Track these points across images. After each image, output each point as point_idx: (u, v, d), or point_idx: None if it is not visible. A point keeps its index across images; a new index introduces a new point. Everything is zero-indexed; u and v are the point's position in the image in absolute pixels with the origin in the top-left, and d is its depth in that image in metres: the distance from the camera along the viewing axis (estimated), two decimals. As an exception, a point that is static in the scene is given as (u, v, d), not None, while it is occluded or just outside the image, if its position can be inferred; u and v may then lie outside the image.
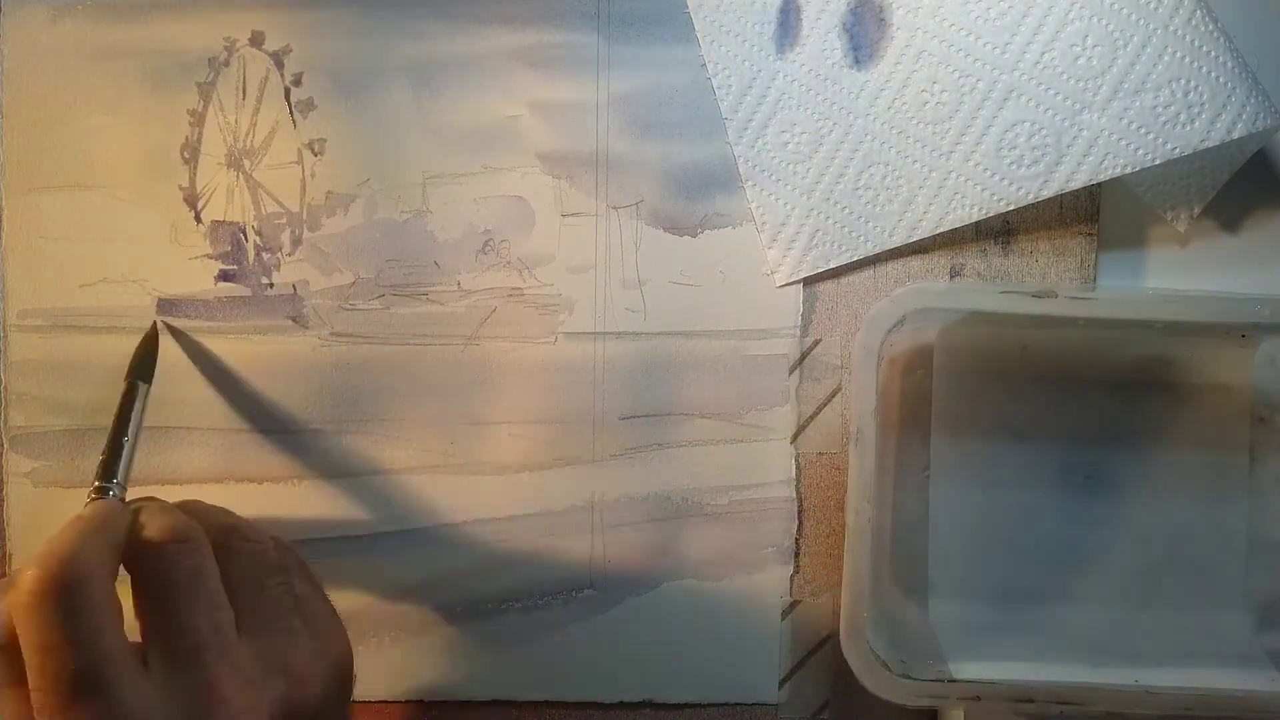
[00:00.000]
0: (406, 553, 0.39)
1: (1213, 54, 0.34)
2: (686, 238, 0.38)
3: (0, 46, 0.38)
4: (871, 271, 0.38)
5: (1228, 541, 0.38)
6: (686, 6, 0.38)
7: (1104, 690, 0.34)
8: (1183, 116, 0.34)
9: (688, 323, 0.38)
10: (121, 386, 0.35)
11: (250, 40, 0.39)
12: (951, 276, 0.38)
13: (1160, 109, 0.34)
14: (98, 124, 0.39)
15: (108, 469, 0.32)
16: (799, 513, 0.38)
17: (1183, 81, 0.34)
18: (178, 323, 0.39)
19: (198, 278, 0.39)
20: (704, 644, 0.39)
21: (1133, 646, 0.37)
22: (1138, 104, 0.34)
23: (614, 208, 0.39)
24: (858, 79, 0.37)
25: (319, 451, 0.39)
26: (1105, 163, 0.35)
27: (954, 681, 0.34)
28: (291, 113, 0.39)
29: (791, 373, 0.38)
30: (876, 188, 0.37)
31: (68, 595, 0.26)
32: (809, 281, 0.38)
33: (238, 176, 0.39)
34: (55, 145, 0.39)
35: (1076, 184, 0.35)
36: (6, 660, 0.27)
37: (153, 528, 0.29)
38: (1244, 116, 0.34)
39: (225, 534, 0.31)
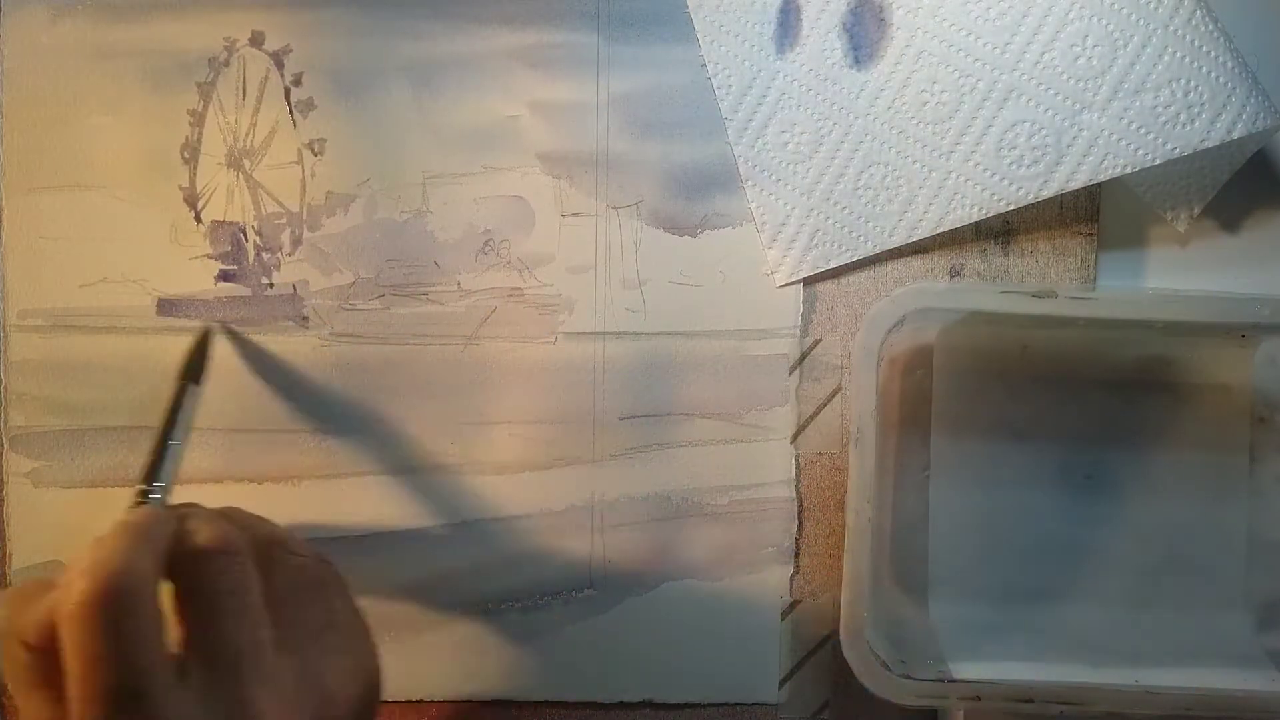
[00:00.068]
0: (406, 553, 0.39)
1: (1213, 54, 0.34)
2: (686, 238, 0.38)
3: (0, 46, 0.39)
4: (871, 271, 0.38)
5: (1228, 541, 0.38)
6: (686, 6, 0.38)
7: (1104, 690, 0.34)
8: (1183, 116, 0.34)
9: (688, 323, 0.38)
10: (171, 388, 0.35)
11: (250, 40, 0.39)
12: (951, 276, 0.38)
13: (1160, 109, 0.34)
14: (98, 124, 0.39)
15: (153, 471, 0.32)
16: (799, 513, 0.38)
17: (1183, 81, 0.34)
18: (178, 323, 0.39)
19: (198, 278, 0.39)
20: (704, 644, 0.39)
21: (1133, 646, 0.37)
22: (1138, 104, 0.34)
23: (614, 208, 0.39)
24: (858, 79, 0.37)
25: (319, 451, 0.39)
26: (1105, 163, 0.35)
27: (954, 681, 0.34)
28: (291, 113, 0.39)
29: (791, 373, 0.38)
30: (876, 188, 0.37)
31: (116, 607, 0.26)
32: (809, 281, 0.38)
33: (238, 176, 0.39)
34: (55, 145, 0.39)
35: (1076, 184, 0.35)
36: (42, 663, 0.26)
37: (200, 537, 0.28)
38: (1244, 116, 0.34)
39: (269, 546, 0.31)
